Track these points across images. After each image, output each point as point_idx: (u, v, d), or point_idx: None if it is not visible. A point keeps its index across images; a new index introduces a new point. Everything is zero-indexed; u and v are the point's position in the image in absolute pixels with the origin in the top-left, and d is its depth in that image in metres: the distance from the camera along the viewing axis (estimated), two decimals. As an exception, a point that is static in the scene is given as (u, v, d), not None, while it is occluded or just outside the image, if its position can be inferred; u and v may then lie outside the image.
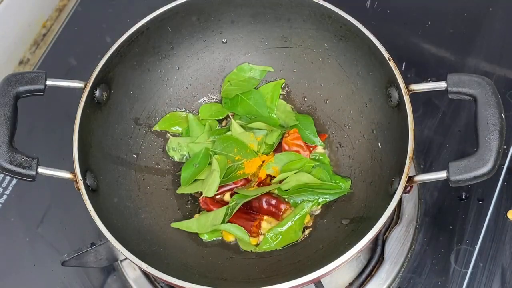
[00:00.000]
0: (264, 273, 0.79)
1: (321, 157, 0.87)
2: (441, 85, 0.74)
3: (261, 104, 0.89)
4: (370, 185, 0.82)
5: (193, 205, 0.86)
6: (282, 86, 0.92)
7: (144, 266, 0.70)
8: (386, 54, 0.78)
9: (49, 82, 0.76)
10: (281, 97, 0.92)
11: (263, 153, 0.87)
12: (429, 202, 0.90)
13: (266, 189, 0.83)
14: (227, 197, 0.85)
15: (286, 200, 0.84)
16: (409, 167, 0.71)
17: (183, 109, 0.92)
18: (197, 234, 0.83)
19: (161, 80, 0.90)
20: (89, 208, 0.72)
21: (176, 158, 0.89)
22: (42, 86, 0.76)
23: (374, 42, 0.79)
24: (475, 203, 0.89)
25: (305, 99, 0.91)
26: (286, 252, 0.81)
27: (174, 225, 0.83)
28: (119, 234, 0.72)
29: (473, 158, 0.69)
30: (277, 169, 0.85)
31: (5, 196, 0.94)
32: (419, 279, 0.85)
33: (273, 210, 0.83)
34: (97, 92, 0.80)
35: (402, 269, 0.86)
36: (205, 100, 0.93)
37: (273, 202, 0.83)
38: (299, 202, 0.84)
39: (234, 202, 0.83)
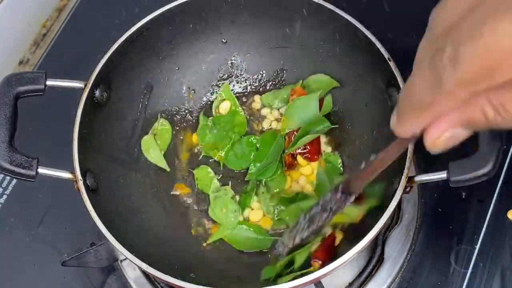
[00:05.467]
0: (264, 273, 0.79)
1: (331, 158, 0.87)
2: (441, 85, 0.73)
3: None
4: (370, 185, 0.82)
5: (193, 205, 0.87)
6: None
7: (144, 266, 0.70)
8: (386, 54, 0.78)
9: (49, 82, 0.76)
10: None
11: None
12: (429, 202, 0.90)
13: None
14: None
15: None
16: (409, 167, 0.71)
17: (183, 109, 0.92)
18: (197, 234, 0.84)
19: (161, 80, 0.90)
20: (89, 208, 0.72)
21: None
22: (42, 86, 0.76)
23: (374, 42, 0.79)
24: (475, 203, 0.89)
25: (305, 99, 0.91)
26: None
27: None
28: (119, 234, 0.72)
29: (473, 158, 0.68)
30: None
31: (5, 196, 0.94)
32: (419, 279, 0.85)
33: None
34: (97, 92, 0.80)
35: (402, 269, 0.86)
36: (205, 100, 0.93)
37: None
38: None
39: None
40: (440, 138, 0.49)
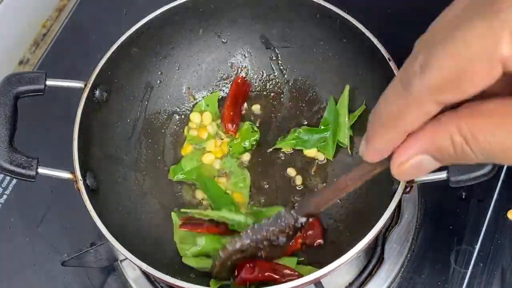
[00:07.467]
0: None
1: None
2: (441, 85, 0.74)
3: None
4: (370, 185, 0.82)
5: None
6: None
7: (144, 266, 0.70)
8: (386, 54, 0.78)
9: (49, 82, 0.76)
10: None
11: None
12: (429, 202, 0.90)
13: None
14: None
15: None
16: (409, 167, 0.71)
17: (183, 109, 0.92)
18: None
19: (161, 80, 0.90)
20: (89, 208, 0.72)
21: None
22: (42, 86, 0.76)
23: (374, 42, 0.79)
24: (475, 203, 0.89)
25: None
26: (286, 252, 0.81)
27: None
28: (119, 234, 0.72)
29: (473, 159, 0.68)
30: None
31: (5, 196, 0.94)
32: (419, 279, 0.85)
33: None
34: (97, 92, 0.80)
35: (402, 269, 0.86)
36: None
37: None
38: None
39: None
40: (407, 164, 0.45)
